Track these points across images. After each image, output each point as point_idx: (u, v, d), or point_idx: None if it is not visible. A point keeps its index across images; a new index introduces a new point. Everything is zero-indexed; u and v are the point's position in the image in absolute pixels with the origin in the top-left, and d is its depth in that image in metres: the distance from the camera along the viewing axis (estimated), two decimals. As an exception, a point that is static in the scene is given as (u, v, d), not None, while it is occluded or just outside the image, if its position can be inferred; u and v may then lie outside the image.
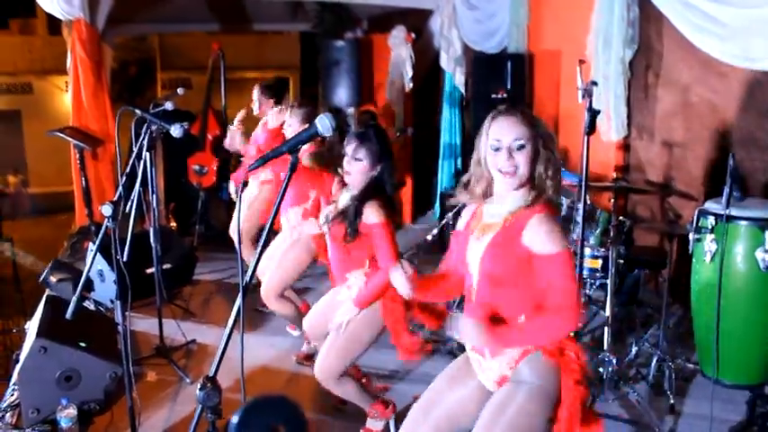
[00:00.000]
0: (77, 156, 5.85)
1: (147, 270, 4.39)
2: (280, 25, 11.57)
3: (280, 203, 1.64)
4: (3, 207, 14.65)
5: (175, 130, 3.44)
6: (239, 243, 1.94)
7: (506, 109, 2.10)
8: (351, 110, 6.90)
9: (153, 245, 3.91)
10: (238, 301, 1.60)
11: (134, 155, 3.68)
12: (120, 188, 2.86)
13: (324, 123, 1.62)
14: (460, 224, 2.28)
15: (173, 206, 7.04)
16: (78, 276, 4.58)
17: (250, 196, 4.92)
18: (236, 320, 1.62)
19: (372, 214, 2.84)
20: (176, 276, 5.12)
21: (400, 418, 3.23)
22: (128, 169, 3.24)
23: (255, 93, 4.96)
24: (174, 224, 6.88)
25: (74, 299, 2.62)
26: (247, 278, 1.64)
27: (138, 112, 3.58)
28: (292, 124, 4.05)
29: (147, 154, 3.79)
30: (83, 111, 6.16)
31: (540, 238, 1.98)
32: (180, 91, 4.63)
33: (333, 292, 3.22)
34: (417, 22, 7.92)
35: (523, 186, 2.08)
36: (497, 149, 2.04)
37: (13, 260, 6.52)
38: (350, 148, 2.91)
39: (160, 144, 6.37)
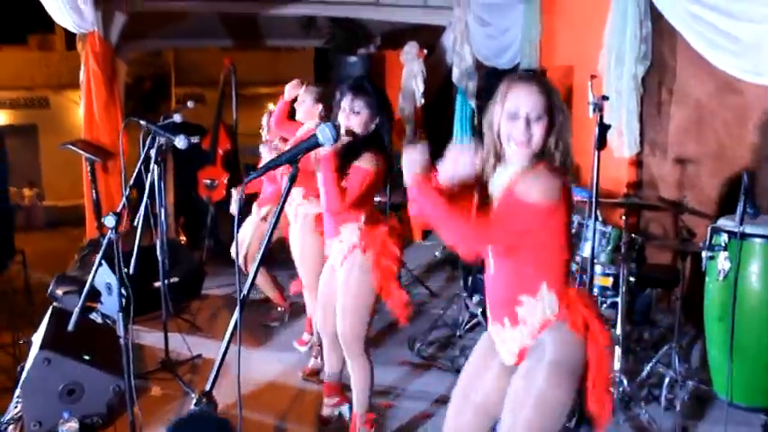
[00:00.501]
0: (88, 168, 5.88)
1: (155, 283, 4.39)
2: (293, 41, 11.65)
3: (279, 214, 1.60)
4: (17, 220, 14.83)
5: (180, 142, 3.43)
6: (237, 261, 1.90)
7: (526, 75, 2.02)
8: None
9: (159, 257, 3.88)
10: (236, 314, 1.56)
11: (140, 166, 3.68)
12: (124, 199, 2.83)
13: (325, 134, 1.59)
14: None
15: (182, 220, 7.05)
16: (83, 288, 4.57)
17: (258, 219, 4.85)
18: (233, 334, 1.58)
19: (367, 161, 2.83)
20: (184, 290, 5.10)
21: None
22: (131, 181, 3.21)
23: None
24: (183, 238, 6.88)
25: (76, 310, 2.60)
26: (245, 291, 1.61)
27: (142, 123, 3.57)
28: (305, 101, 4.00)
29: (156, 166, 3.79)
30: (94, 124, 6.19)
31: (525, 183, 1.92)
32: (190, 104, 4.64)
33: (327, 269, 3.20)
34: (430, 38, 7.94)
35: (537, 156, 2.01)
36: (514, 118, 1.96)
37: (25, 272, 6.54)
38: (346, 101, 2.86)
39: (170, 158, 6.39)
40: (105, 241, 2.58)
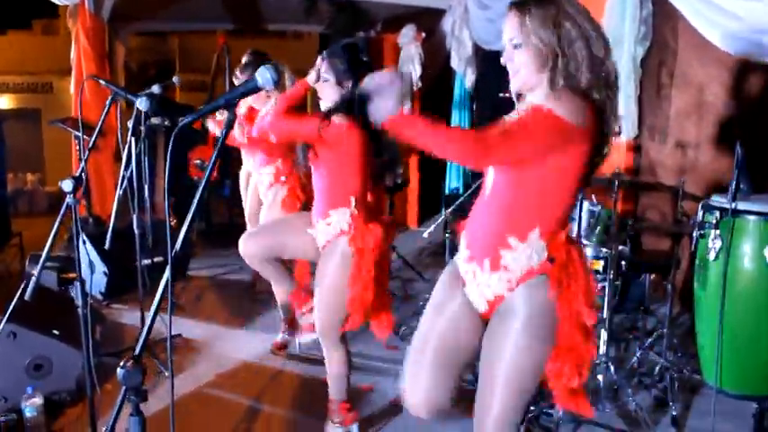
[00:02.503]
0: (77, 147, 5.78)
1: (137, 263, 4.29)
2: (294, 25, 11.51)
3: (218, 157, 1.49)
4: (19, 204, 14.79)
5: (141, 103, 3.33)
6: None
7: (512, 2, 1.82)
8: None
9: (136, 232, 3.77)
10: (166, 273, 1.44)
11: (129, 142, 3.58)
12: (83, 164, 2.71)
13: (264, 76, 1.47)
14: None
15: (173, 201, 6.94)
16: (64, 264, 4.48)
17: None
18: (163, 295, 1.46)
19: (340, 119, 2.71)
20: (168, 270, 4.99)
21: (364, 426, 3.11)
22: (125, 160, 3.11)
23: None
24: (173, 220, 6.77)
25: (33, 278, 2.48)
26: (177, 248, 1.49)
27: (102, 82, 3.50)
28: (241, 78, 3.98)
29: (140, 142, 3.69)
30: (85, 103, 6.07)
31: (546, 103, 1.74)
32: (175, 79, 4.51)
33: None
34: (431, 24, 7.79)
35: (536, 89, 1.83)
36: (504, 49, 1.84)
37: (21, 255, 6.47)
38: (316, 68, 2.78)
39: (162, 138, 6.29)
40: (63, 207, 2.45)
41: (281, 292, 3.90)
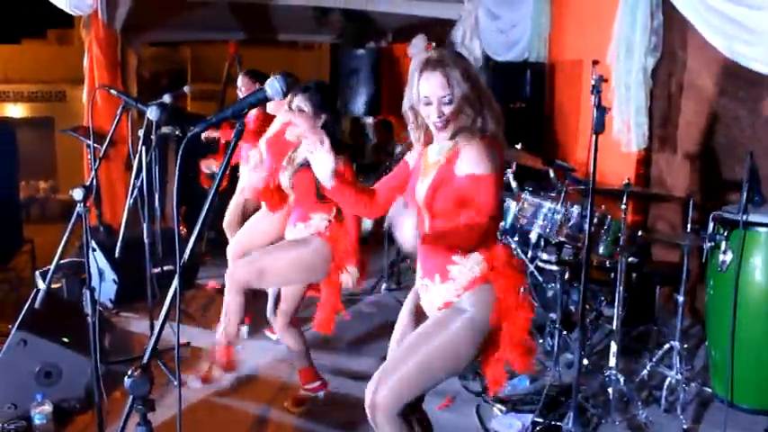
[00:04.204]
0: (89, 155, 5.82)
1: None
2: (305, 36, 11.58)
3: (226, 167, 1.52)
4: (31, 211, 14.88)
5: (151, 113, 3.35)
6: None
7: (432, 62, 2.10)
8: (369, 119, 6.78)
9: (146, 241, 3.78)
10: (175, 282, 1.45)
11: (140, 151, 3.61)
12: (93, 172, 2.73)
13: (273, 87, 1.48)
14: (411, 163, 2.35)
15: (184, 210, 6.95)
16: (74, 273, 4.51)
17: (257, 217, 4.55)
18: (172, 304, 1.47)
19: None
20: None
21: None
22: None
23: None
24: (183, 228, 6.78)
25: (43, 287, 2.50)
26: (185, 258, 1.50)
27: (113, 92, 3.53)
28: (245, 85, 4.17)
29: (152, 152, 3.71)
30: (97, 111, 6.12)
31: (468, 160, 2.05)
32: (186, 89, 4.55)
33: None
34: (441, 34, 7.81)
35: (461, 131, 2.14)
36: (428, 104, 2.10)
37: (33, 262, 6.52)
38: (291, 100, 3.03)
39: (173, 147, 6.31)
40: (73, 216, 2.47)
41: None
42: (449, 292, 2.17)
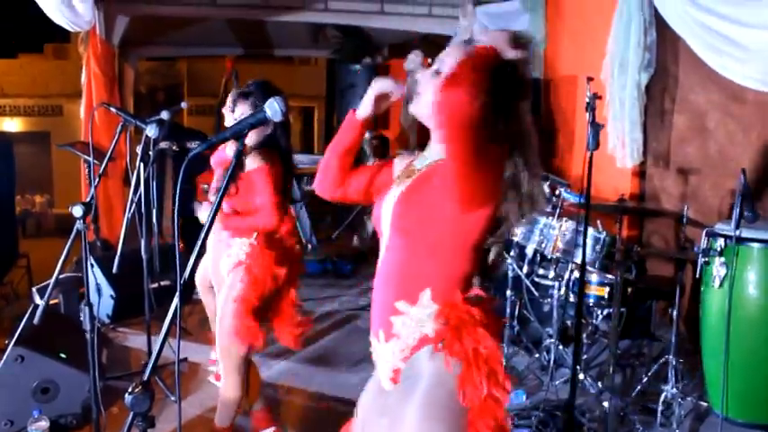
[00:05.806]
0: (86, 171, 5.84)
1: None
2: (302, 51, 11.64)
3: (220, 201, 1.51)
4: (28, 226, 14.86)
5: (150, 130, 3.37)
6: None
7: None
8: (366, 135, 6.81)
9: (144, 257, 3.80)
10: (175, 300, 1.46)
11: (138, 167, 3.63)
12: (92, 190, 2.75)
13: (273, 108, 1.50)
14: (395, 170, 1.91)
15: (181, 224, 6.96)
16: (72, 288, 4.51)
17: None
18: (172, 321, 1.48)
19: (253, 161, 2.77)
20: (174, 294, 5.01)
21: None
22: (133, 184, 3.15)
23: None
24: (181, 244, 6.79)
25: (42, 303, 2.51)
26: (186, 275, 1.52)
27: (112, 109, 3.56)
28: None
29: (149, 168, 3.74)
30: (95, 127, 6.15)
31: (444, 179, 1.60)
32: (183, 105, 4.58)
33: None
34: (438, 50, 7.87)
35: None
36: None
37: (29, 277, 6.51)
38: (235, 108, 2.88)
39: (170, 162, 6.34)
40: (73, 233, 2.48)
41: None
42: (395, 354, 1.65)
